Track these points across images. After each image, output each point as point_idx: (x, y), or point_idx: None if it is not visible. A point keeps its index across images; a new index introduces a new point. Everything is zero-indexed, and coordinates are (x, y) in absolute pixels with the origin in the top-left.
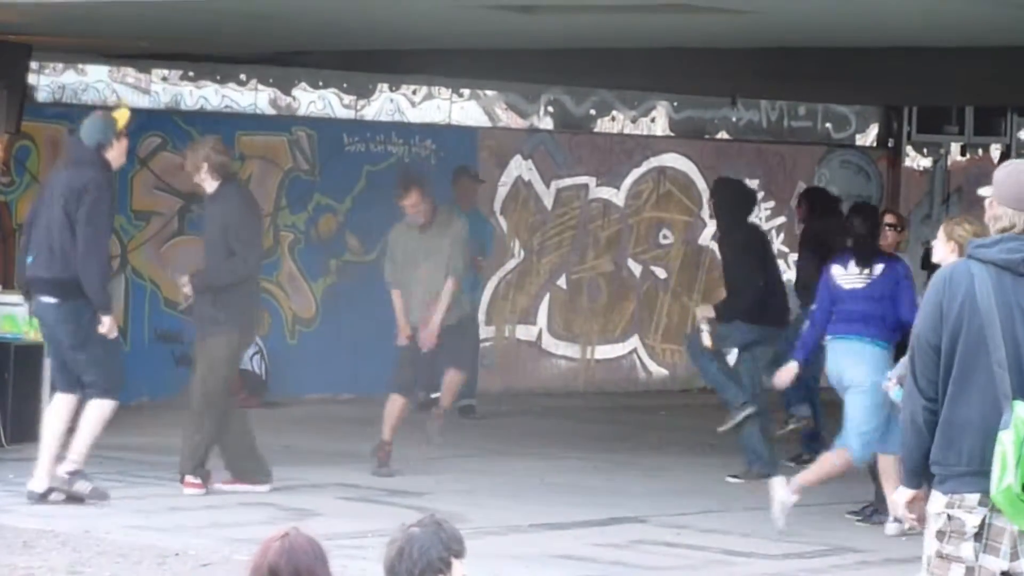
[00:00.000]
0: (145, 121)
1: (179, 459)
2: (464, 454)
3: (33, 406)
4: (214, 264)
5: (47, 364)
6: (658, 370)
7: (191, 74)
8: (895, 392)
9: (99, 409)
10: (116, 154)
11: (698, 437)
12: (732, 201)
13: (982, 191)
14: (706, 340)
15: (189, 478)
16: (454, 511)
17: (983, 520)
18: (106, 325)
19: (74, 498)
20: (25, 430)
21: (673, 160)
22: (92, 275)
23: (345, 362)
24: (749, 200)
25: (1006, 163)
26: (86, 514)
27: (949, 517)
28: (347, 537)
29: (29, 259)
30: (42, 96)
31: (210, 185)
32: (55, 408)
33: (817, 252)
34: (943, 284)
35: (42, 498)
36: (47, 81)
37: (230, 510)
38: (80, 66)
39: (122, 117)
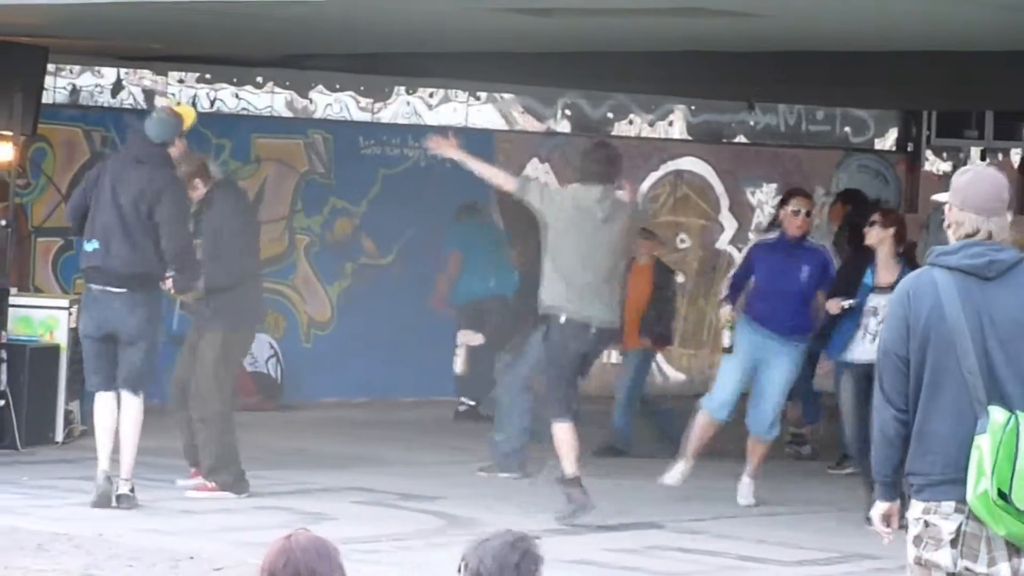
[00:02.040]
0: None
1: (201, 459)
2: (476, 459)
3: (48, 409)
4: (207, 267)
5: (63, 366)
6: (675, 375)
7: (207, 76)
8: None
9: (133, 413)
10: (176, 153)
11: (714, 442)
12: None
13: (937, 197)
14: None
15: (209, 483)
16: (467, 516)
17: (959, 527)
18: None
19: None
20: (40, 433)
21: (690, 164)
22: (193, 271)
23: (360, 366)
24: None
25: (965, 168)
26: (99, 517)
27: (926, 524)
28: (361, 541)
29: (91, 247)
30: (58, 98)
31: (199, 192)
32: (106, 407)
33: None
34: (906, 296)
35: (120, 500)
36: (63, 83)
37: (243, 514)
38: (97, 68)
39: (188, 116)
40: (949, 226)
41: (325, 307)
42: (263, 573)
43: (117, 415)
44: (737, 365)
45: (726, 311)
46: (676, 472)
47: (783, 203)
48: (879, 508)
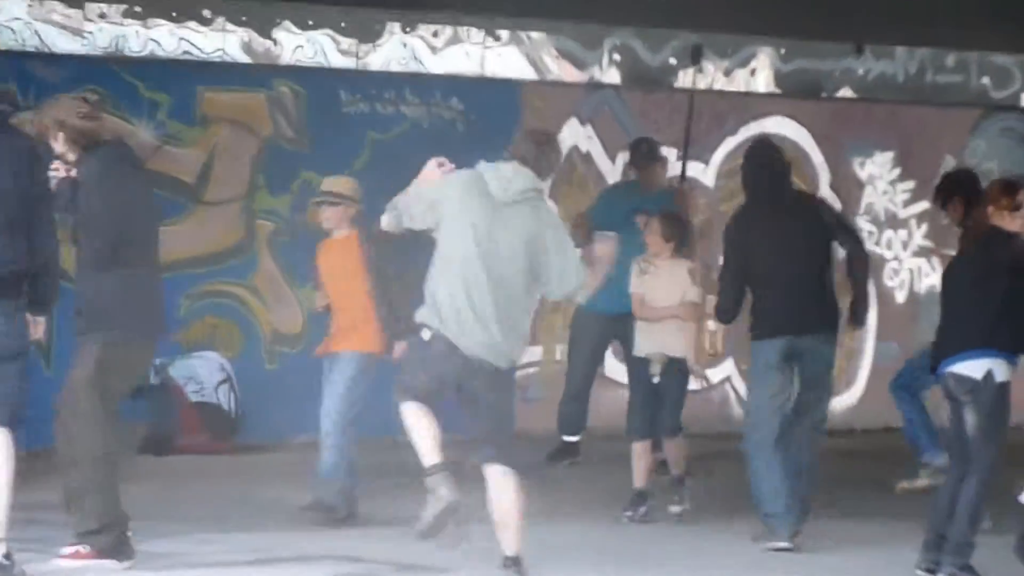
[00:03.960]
0: (77, 72)
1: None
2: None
3: None
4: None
5: None
6: None
7: (137, 10)
8: None
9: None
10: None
11: (816, 495)
12: None
13: None
14: None
15: (80, 547)
16: None
17: None
18: (41, 328)
19: None
20: None
21: (779, 126)
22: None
23: None
24: None
25: None
26: None
27: None
28: None
29: None
30: None
31: (72, 157)
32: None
33: None
34: None
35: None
36: None
37: None
38: None
39: None
40: None
41: (295, 316)
42: None
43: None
44: None
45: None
46: None
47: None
48: None
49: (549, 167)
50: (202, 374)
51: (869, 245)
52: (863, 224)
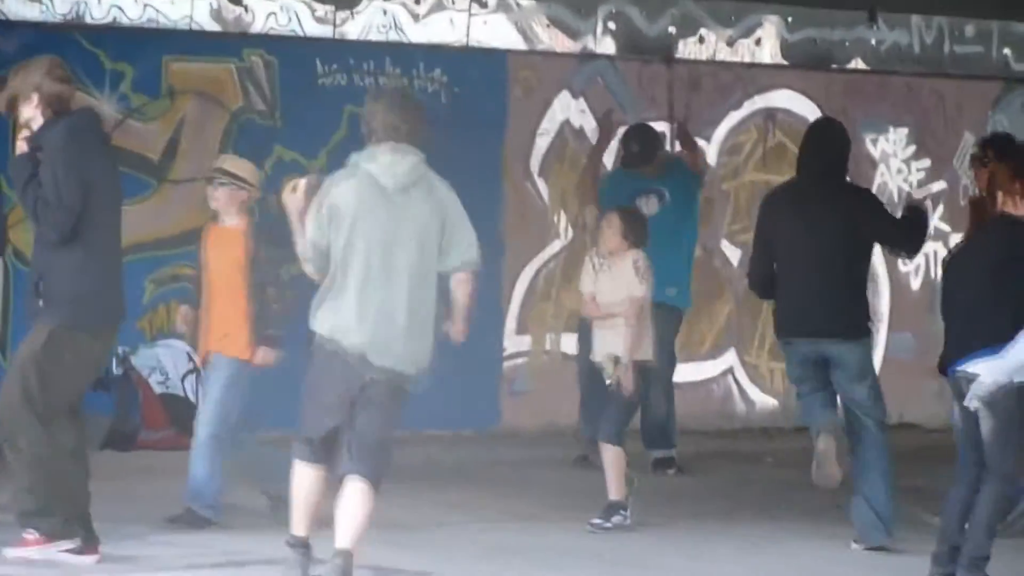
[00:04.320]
0: (35, 40)
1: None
2: (483, 520)
3: None
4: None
5: None
6: (763, 399)
7: None
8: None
9: None
10: None
11: (819, 496)
12: None
13: None
14: None
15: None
16: None
17: None
18: None
19: None
20: None
21: (787, 100)
22: None
23: None
24: None
25: None
26: None
27: None
28: None
29: None
30: None
31: (38, 124)
32: None
33: None
34: None
35: None
36: None
37: None
38: None
39: None
40: None
41: None
42: None
43: None
44: None
45: None
46: None
47: None
48: None
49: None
50: (167, 364)
51: None
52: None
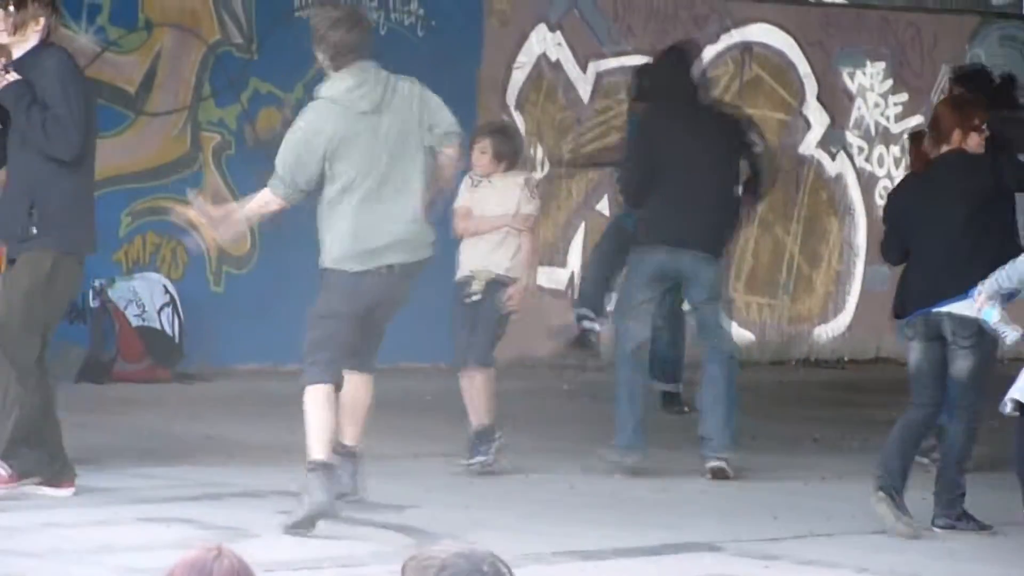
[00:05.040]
0: None
1: None
2: (459, 451)
3: None
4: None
5: None
6: (740, 333)
7: None
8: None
9: None
10: None
11: (795, 429)
12: None
13: None
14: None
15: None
16: (447, 532)
17: None
18: None
19: None
20: None
21: (763, 33)
22: None
23: (290, 319)
24: None
25: None
26: None
27: None
28: (292, 568)
29: None
30: None
31: (27, 46)
32: None
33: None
34: None
35: None
36: None
37: (127, 528)
38: None
39: None
40: None
41: (243, 235)
42: None
43: None
44: None
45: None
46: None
47: None
48: None
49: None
50: (144, 296)
51: (859, 161)
52: (852, 139)
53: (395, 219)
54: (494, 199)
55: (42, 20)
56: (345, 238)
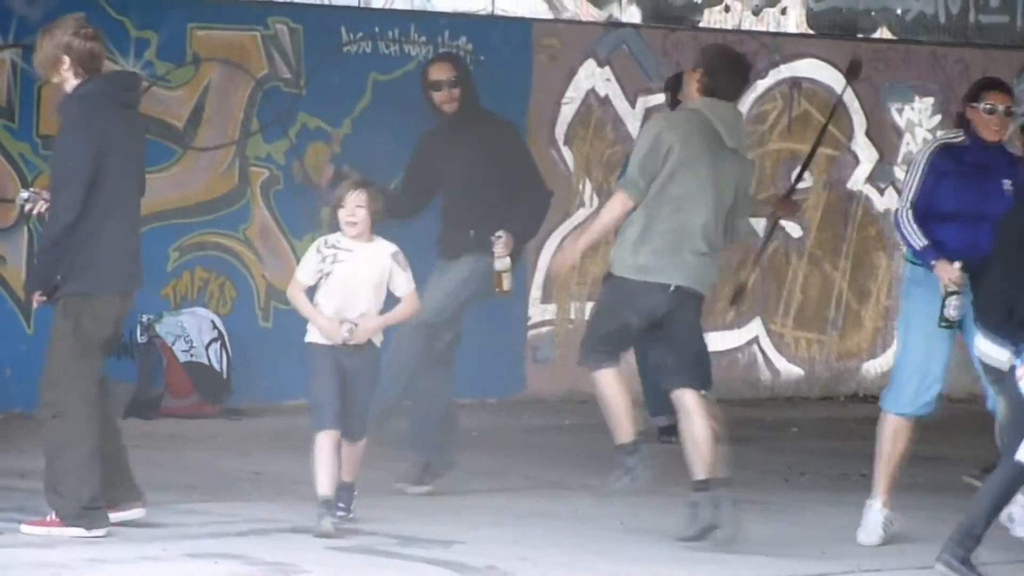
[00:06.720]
0: (59, 7)
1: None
2: (507, 487)
3: None
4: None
5: None
6: (789, 368)
7: None
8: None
9: None
10: None
11: (843, 464)
12: None
13: None
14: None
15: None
16: (494, 568)
17: None
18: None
19: None
20: None
21: (812, 69)
22: None
23: None
24: None
25: None
26: None
27: None
28: None
29: None
30: None
31: (72, 85)
32: None
33: None
34: None
35: None
36: None
37: (176, 564)
38: None
39: None
40: None
41: (291, 270)
42: None
43: None
44: (924, 337)
45: (950, 272)
46: (870, 523)
47: (971, 100)
48: None
49: None
50: (192, 332)
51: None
52: (901, 174)
53: None
54: None
55: (65, 58)
56: None
